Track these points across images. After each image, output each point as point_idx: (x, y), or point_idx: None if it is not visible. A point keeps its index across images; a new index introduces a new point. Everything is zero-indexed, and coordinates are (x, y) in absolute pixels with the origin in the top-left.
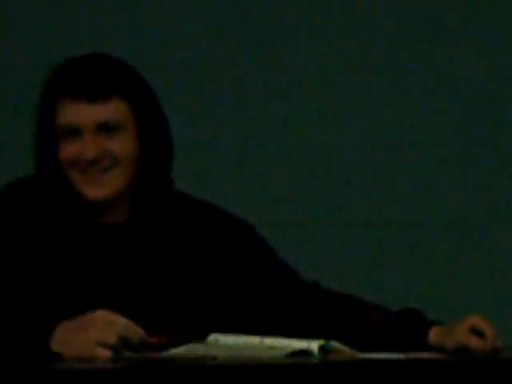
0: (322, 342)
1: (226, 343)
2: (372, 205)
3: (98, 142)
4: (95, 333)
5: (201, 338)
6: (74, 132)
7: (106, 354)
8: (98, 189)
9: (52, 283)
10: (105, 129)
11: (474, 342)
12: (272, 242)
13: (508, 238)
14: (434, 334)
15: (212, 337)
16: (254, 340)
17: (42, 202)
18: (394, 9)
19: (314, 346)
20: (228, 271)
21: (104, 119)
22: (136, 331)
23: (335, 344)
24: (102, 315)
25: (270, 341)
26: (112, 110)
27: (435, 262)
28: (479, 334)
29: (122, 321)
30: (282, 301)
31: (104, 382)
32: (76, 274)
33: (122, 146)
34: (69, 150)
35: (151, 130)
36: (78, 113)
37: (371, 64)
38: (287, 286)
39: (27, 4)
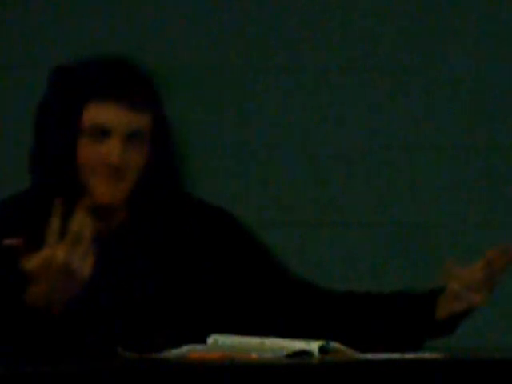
0: (321, 342)
1: (226, 344)
2: (372, 205)
3: (125, 149)
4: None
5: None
6: (102, 133)
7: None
8: (109, 193)
9: None
10: (131, 137)
11: (457, 308)
12: (272, 242)
13: (508, 238)
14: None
15: (212, 337)
16: (254, 340)
17: (37, 209)
18: (395, 9)
19: (313, 346)
20: (221, 270)
21: (136, 128)
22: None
23: (335, 344)
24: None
25: (269, 341)
26: (144, 120)
27: (435, 262)
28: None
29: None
30: (276, 299)
31: (104, 382)
32: None
33: (140, 157)
34: (95, 150)
35: (162, 142)
36: (115, 114)
37: (371, 64)
38: (280, 284)
39: (26, 3)
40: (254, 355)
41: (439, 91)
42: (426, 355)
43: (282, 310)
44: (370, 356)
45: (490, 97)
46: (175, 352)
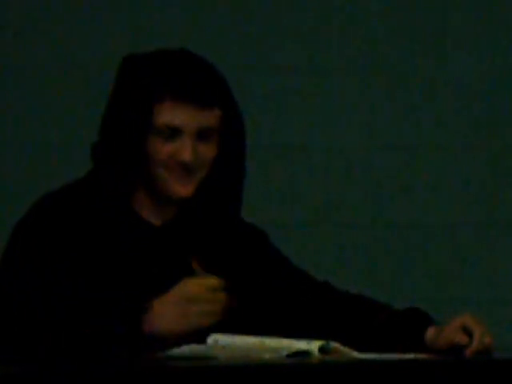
0: (321, 342)
1: (226, 343)
2: (372, 205)
3: (196, 146)
4: (205, 304)
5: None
6: (174, 133)
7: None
8: (184, 187)
9: (97, 277)
10: (202, 134)
11: (459, 339)
12: (272, 242)
13: (508, 238)
14: (429, 334)
15: (212, 337)
16: (255, 340)
17: (94, 202)
18: (394, 9)
19: (314, 346)
20: (248, 275)
21: (206, 126)
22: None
23: (335, 344)
24: (195, 288)
25: (270, 341)
26: (213, 117)
27: (435, 261)
28: (469, 333)
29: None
30: (297, 301)
31: (105, 381)
32: (120, 268)
33: (211, 153)
34: (167, 148)
35: (230, 138)
36: (186, 115)
37: (371, 64)
38: (302, 286)
39: (27, 3)
40: (253, 355)
41: (439, 91)
42: (425, 355)
43: (304, 314)
44: (369, 356)
45: (489, 97)
46: (175, 351)
